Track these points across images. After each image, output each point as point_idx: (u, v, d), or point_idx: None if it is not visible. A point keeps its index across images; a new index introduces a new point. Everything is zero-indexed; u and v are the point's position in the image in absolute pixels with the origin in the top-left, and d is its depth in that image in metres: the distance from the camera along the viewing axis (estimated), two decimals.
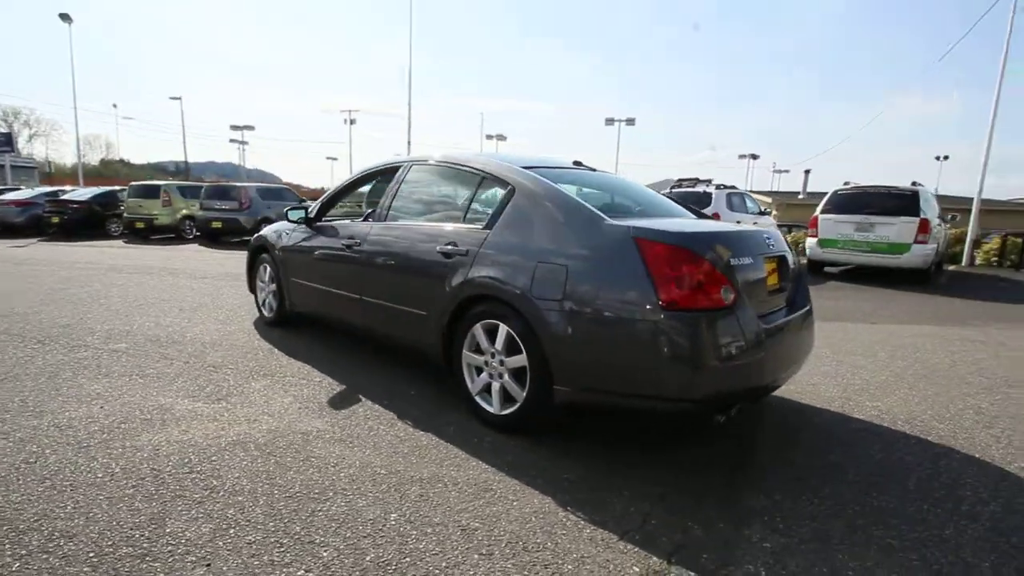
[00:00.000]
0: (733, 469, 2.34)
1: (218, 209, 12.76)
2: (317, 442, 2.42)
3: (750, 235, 2.50)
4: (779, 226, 11.50)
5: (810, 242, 9.47)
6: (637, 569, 1.67)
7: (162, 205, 13.31)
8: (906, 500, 2.12)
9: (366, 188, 4.19)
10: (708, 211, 8.66)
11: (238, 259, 9.53)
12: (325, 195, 4.00)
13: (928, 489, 2.21)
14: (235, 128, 45.01)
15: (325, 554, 1.67)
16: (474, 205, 2.94)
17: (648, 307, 2.07)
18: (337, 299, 3.59)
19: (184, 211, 13.61)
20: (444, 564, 1.65)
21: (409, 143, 23.31)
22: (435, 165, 3.28)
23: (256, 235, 4.68)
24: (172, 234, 13.80)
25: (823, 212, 9.33)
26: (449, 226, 2.92)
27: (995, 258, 13.10)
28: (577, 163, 3.29)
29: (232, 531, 1.76)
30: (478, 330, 2.63)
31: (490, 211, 2.76)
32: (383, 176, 3.62)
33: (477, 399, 2.69)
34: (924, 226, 8.49)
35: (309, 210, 3.92)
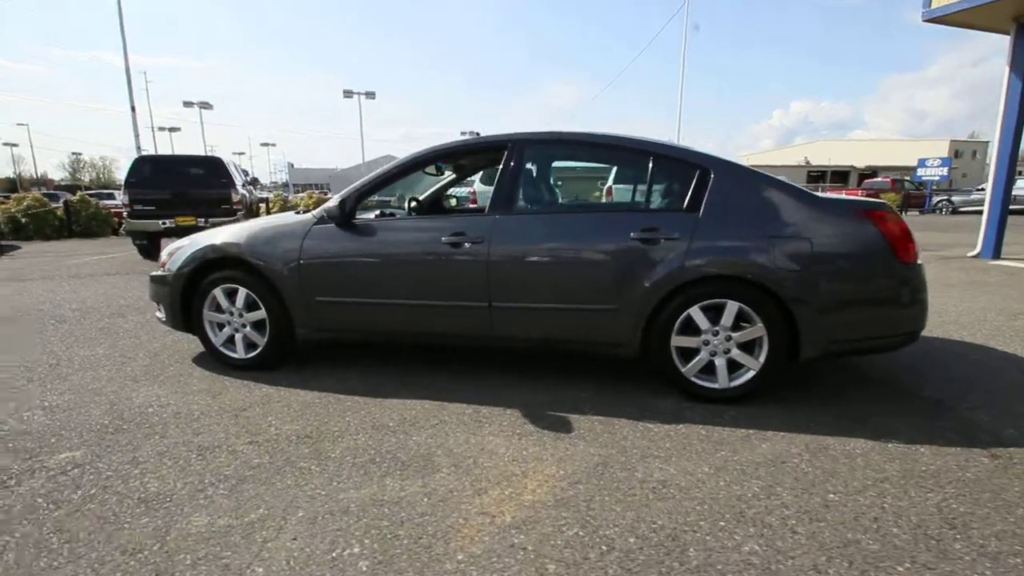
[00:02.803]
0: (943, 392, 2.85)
1: None
2: (653, 466, 2.13)
3: None
4: None
5: None
6: (995, 461, 2.16)
7: None
8: None
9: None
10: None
11: None
12: (357, 186, 3.04)
13: None
14: None
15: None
16: (655, 187, 2.82)
17: (893, 265, 2.54)
18: (438, 312, 2.90)
19: None
20: (955, 475, 1.84)
21: (133, 109, 17.12)
22: (573, 145, 2.96)
23: (193, 249, 3.20)
24: None
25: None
26: (634, 210, 2.74)
27: None
28: None
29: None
30: (696, 312, 2.64)
31: (679, 193, 2.73)
32: (469, 158, 3.01)
33: (694, 379, 2.72)
34: None
35: (344, 204, 2.95)
